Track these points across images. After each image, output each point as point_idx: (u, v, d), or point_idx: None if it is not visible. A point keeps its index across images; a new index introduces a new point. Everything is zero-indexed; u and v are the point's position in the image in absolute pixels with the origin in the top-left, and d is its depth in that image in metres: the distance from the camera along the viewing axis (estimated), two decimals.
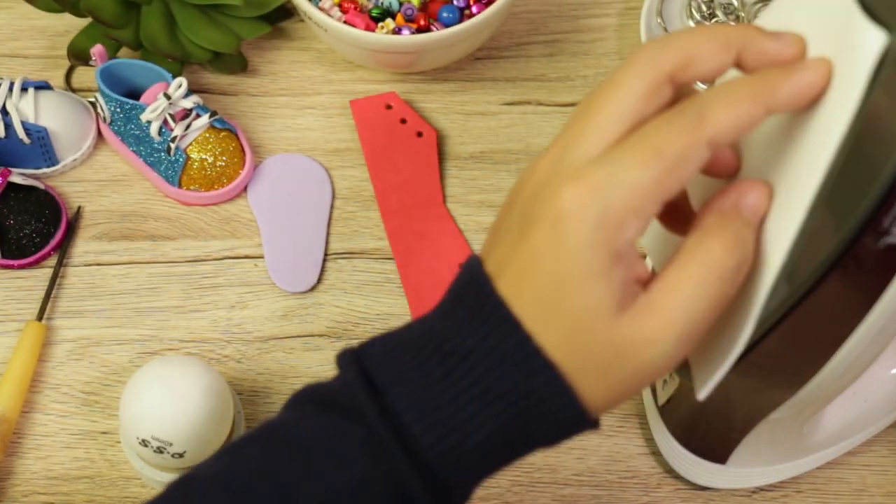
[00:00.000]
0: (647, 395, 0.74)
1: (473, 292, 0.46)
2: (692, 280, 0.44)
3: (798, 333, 0.50)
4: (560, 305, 0.44)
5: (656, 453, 0.74)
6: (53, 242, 0.80)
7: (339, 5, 0.85)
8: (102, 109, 0.83)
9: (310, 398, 0.48)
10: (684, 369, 0.55)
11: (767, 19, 0.48)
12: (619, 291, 0.44)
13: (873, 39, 0.42)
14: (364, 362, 0.47)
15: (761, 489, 0.73)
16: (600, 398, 0.45)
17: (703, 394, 0.48)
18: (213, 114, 0.82)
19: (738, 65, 0.45)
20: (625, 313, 0.44)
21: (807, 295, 0.47)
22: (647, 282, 0.45)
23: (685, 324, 0.44)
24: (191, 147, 0.81)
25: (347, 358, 0.47)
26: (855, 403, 0.71)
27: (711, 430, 0.68)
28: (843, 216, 0.44)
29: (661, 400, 0.71)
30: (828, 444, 0.71)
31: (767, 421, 0.62)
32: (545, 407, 0.45)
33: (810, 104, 0.44)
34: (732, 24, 0.44)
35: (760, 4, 0.90)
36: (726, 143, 0.43)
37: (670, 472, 0.74)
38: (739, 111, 0.43)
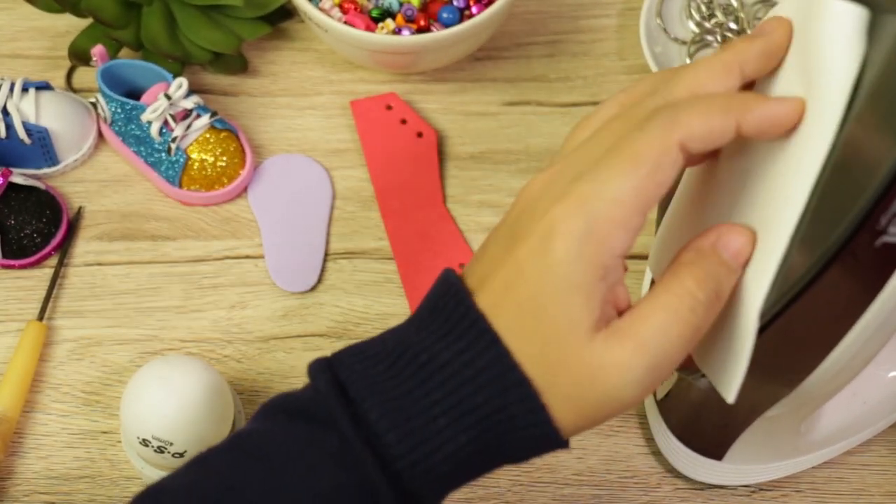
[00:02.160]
0: None
1: (452, 304, 0.46)
2: (664, 310, 0.45)
3: (794, 331, 0.50)
4: (538, 316, 0.44)
5: (656, 453, 0.74)
6: (54, 242, 0.80)
7: (340, 6, 0.85)
8: (103, 110, 0.83)
9: (281, 407, 0.48)
10: (683, 367, 0.55)
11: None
12: (598, 309, 0.44)
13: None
14: (337, 371, 0.47)
15: (761, 488, 0.73)
16: (570, 419, 0.45)
17: (731, 397, 0.48)
18: (214, 114, 0.82)
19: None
20: (599, 334, 0.44)
21: (802, 292, 0.47)
22: (624, 310, 0.46)
23: (655, 353, 0.44)
24: (191, 147, 0.82)
25: (319, 367, 0.47)
26: (854, 404, 0.71)
27: (708, 426, 0.68)
28: (839, 214, 0.45)
29: (660, 394, 0.71)
30: (826, 444, 0.71)
31: (764, 418, 0.62)
32: (518, 423, 0.45)
33: (777, 135, 0.45)
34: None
35: (760, 4, 0.90)
36: (697, 150, 0.44)
37: (671, 471, 0.74)
38: (711, 120, 0.44)
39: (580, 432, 0.46)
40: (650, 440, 0.75)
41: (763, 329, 0.49)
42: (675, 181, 0.45)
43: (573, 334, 0.44)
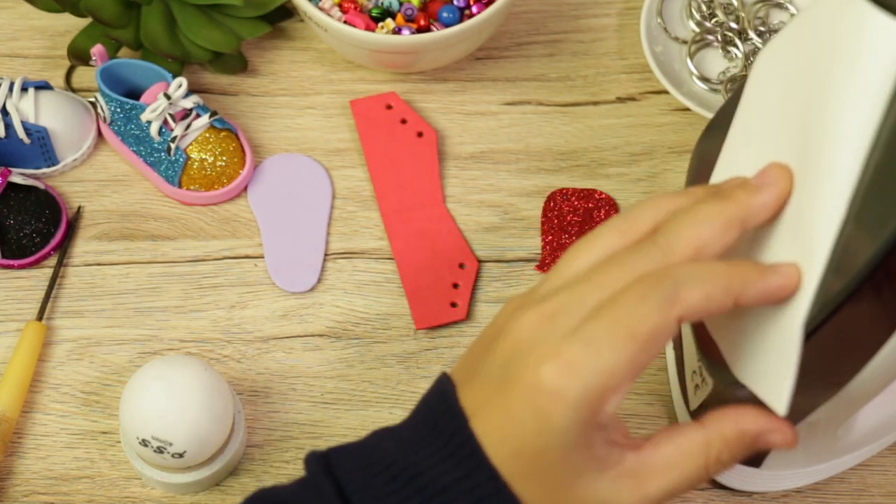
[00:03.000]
0: (678, 399, 0.73)
1: (450, 428, 0.47)
2: (678, 469, 0.47)
3: (838, 337, 0.50)
4: (540, 467, 0.46)
5: None
6: (53, 242, 0.80)
7: (340, 5, 0.85)
8: (102, 109, 0.83)
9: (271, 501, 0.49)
10: (718, 368, 0.55)
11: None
12: (602, 453, 0.46)
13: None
14: (339, 477, 0.47)
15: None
16: None
17: (783, 409, 0.49)
18: (214, 114, 0.82)
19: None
20: (606, 473, 0.46)
21: (848, 299, 0.47)
22: (625, 444, 0.48)
23: (656, 499, 0.47)
24: (191, 147, 0.81)
25: (319, 467, 0.48)
26: (888, 402, 0.70)
27: None
28: (879, 224, 0.45)
29: (694, 405, 0.71)
30: (861, 445, 0.70)
31: (803, 424, 0.61)
32: None
33: (774, 303, 0.47)
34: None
35: (760, 4, 0.90)
36: (692, 321, 0.46)
37: None
38: (711, 297, 0.45)
39: None
40: None
41: (808, 336, 0.49)
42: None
43: (578, 480, 0.46)
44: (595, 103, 0.88)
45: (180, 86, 0.81)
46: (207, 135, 0.82)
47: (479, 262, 0.81)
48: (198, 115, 0.82)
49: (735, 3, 0.89)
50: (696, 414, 0.71)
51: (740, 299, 0.46)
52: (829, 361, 0.53)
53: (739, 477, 0.70)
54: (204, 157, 0.82)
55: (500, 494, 0.46)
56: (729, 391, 0.62)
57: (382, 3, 0.86)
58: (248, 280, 0.80)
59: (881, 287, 0.47)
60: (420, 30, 0.85)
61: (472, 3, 0.85)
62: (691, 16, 0.90)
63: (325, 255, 0.82)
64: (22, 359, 0.75)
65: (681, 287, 0.45)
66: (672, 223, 0.48)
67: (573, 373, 0.45)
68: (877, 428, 0.70)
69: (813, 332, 0.49)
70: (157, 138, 0.81)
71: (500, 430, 0.46)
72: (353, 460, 0.48)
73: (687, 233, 0.47)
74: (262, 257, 0.81)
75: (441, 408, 0.48)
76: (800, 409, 0.60)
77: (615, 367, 0.45)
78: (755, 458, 0.68)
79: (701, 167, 0.64)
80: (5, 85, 0.81)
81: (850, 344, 0.52)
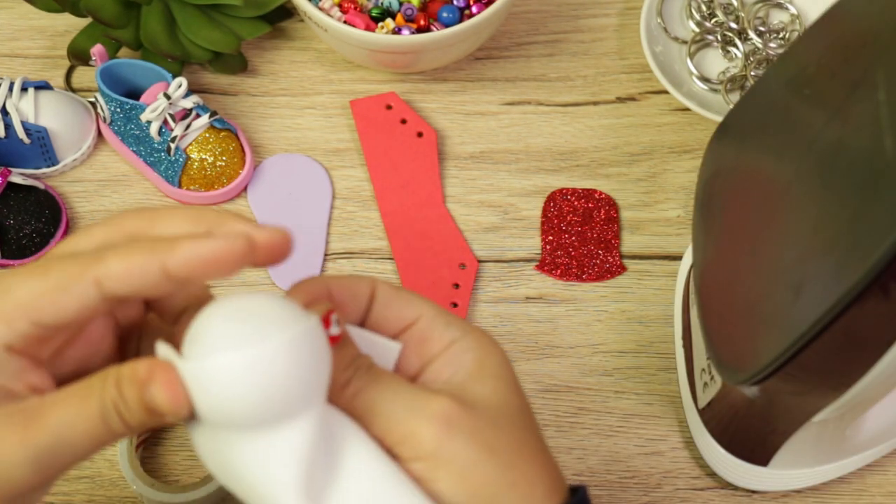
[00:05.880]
0: (687, 397, 0.74)
1: None
2: (74, 399, 0.44)
3: (846, 337, 0.50)
4: None
5: (656, 453, 0.74)
6: (54, 242, 0.80)
7: (339, 5, 0.85)
8: (102, 109, 0.83)
9: None
10: (726, 366, 0.54)
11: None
12: None
13: None
14: None
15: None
16: None
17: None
18: (213, 114, 0.82)
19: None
20: None
21: (853, 303, 0.47)
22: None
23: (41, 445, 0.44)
24: (191, 147, 0.81)
25: None
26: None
27: (754, 433, 0.68)
28: (886, 225, 0.45)
29: (702, 403, 0.71)
30: (870, 445, 0.70)
31: (811, 423, 0.61)
32: None
33: (215, 275, 0.44)
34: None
35: (760, 4, 0.90)
36: (121, 291, 0.43)
37: (669, 472, 0.74)
38: (132, 260, 0.43)
39: None
40: (650, 440, 0.75)
41: (816, 335, 0.49)
42: (87, 311, 0.44)
43: None
44: (595, 103, 0.88)
45: (180, 86, 0.81)
46: (207, 135, 0.82)
47: (479, 262, 0.81)
48: (198, 115, 0.82)
49: (735, 3, 0.89)
50: (705, 412, 0.71)
51: (169, 262, 0.43)
52: (836, 362, 0.53)
53: (747, 475, 0.70)
54: (204, 157, 0.82)
55: None
56: (737, 389, 0.62)
57: (382, 3, 0.86)
58: (249, 280, 0.80)
59: (888, 288, 0.47)
60: (420, 30, 0.85)
61: (471, 3, 0.85)
62: (691, 16, 0.90)
63: (325, 255, 0.82)
64: None
65: (103, 252, 0.44)
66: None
67: None
68: (886, 429, 0.70)
69: (821, 332, 0.49)
70: (156, 138, 0.81)
71: None
72: None
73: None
74: None
75: None
76: (807, 408, 0.60)
77: (19, 293, 0.43)
78: (762, 457, 0.68)
79: (717, 172, 0.63)
80: (5, 85, 0.81)
81: (858, 345, 0.52)
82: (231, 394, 0.42)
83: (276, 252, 0.45)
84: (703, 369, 0.70)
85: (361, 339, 0.48)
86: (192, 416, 0.44)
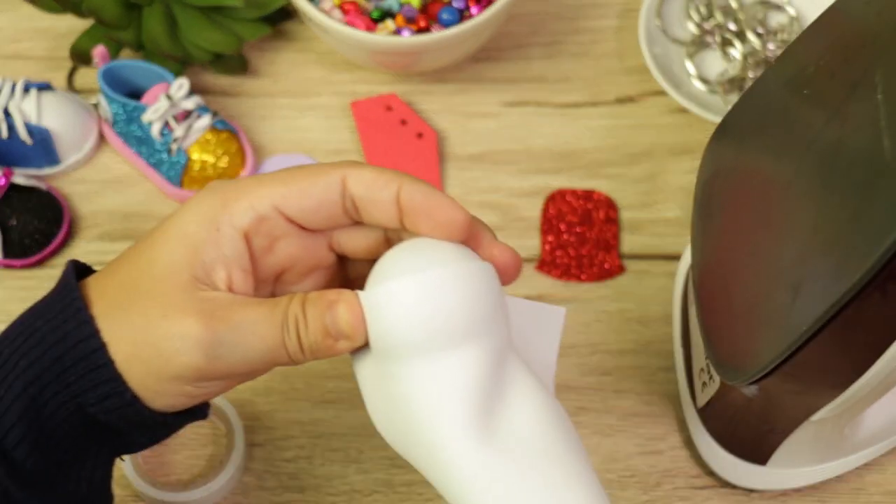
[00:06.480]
0: (686, 397, 0.74)
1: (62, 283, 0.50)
2: (259, 308, 0.47)
3: (840, 340, 0.50)
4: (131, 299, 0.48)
5: (656, 453, 0.75)
6: (56, 242, 0.81)
7: (340, 7, 0.85)
8: (104, 110, 0.83)
9: None
10: (724, 366, 0.55)
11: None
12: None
13: None
14: None
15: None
16: (138, 376, 0.47)
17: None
18: (215, 115, 0.82)
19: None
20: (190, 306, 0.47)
21: (851, 303, 0.48)
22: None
23: (221, 331, 0.47)
24: (192, 148, 0.82)
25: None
26: (894, 401, 0.71)
27: (752, 432, 0.68)
28: (884, 223, 0.45)
29: (701, 402, 0.71)
30: (868, 444, 0.70)
31: (809, 423, 0.61)
32: (79, 353, 0.47)
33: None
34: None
35: (758, 6, 0.90)
36: (360, 193, 0.49)
37: (668, 471, 0.74)
38: (381, 172, 0.50)
39: (164, 400, 0.48)
40: (650, 440, 0.75)
41: (815, 335, 0.49)
42: (327, 204, 0.49)
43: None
44: (594, 104, 0.88)
45: (182, 87, 0.81)
46: (209, 136, 0.82)
47: None
48: (199, 116, 0.82)
49: (733, 5, 0.90)
50: (704, 412, 0.71)
51: (401, 192, 0.49)
52: (834, 361, 0.53)
53: (745, 474, 0.70)
54: (205, 158, 0.82)
55: (72, 302, 0.47)
56: (735, 389, 0.62)
57: (382, 5, 0.86)
58: None
59: (887, 288, 0.47)
60: (420, 31, 0.85)
61: (471, 4, 0.86)
62: (690, 17, 0.90)
63: None
64: None
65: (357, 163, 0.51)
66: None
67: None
68: (884, 427, 0.70)
69: (819, 332, 0.49)
70: (158, 139, 0.81)
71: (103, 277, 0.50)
72: None
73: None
74: None
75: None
76: (806, 407, 0.60)
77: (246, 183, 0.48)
78: (760, 456, 0.69)
79: (716, 172, 0.63)
80: (8, 86, 0.82)
81: (856, 344, 0.52)
82: (401, 315, 0.44)
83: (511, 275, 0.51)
84: (702, 369, 0.70)
85: (525, 308, 0.50)
86: (361, 347, 0.46)
